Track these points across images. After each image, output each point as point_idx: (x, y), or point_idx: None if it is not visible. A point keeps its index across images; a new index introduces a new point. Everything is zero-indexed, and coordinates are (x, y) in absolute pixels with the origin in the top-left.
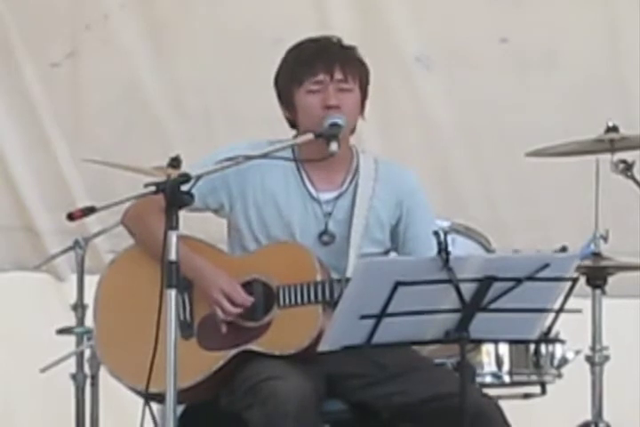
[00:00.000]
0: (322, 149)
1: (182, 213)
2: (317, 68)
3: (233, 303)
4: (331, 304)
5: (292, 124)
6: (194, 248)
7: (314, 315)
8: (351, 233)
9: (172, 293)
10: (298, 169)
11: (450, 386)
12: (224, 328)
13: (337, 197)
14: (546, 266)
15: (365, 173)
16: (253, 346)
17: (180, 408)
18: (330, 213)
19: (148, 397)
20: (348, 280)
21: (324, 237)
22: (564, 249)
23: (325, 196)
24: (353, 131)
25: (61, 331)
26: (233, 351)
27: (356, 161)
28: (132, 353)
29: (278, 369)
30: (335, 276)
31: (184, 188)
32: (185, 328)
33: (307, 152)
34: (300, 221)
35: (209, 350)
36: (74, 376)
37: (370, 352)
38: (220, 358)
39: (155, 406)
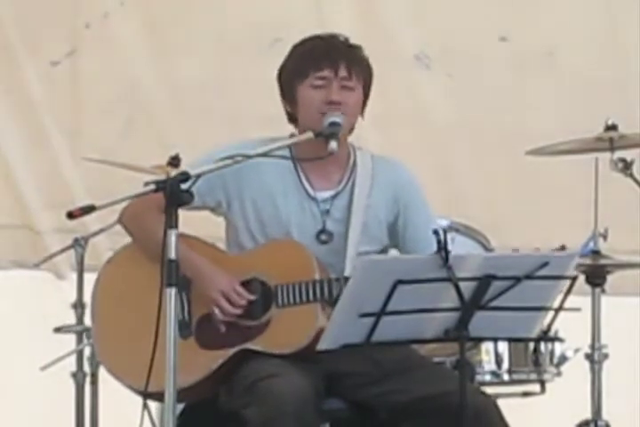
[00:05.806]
0: (320, 147)
1: (181, 212)
2: (323, 64)
3: (232, 304)
4: (329, 303)
5: (292, 119)
6: (192, 247)
7: (312, 314)
8: (349, 232)
9: (172, 291)
10: (295, 167)
11: (448, 385)
12: (222, 327)
13: (334, 196)
14: (545, 264)
15: (362, 170)
16: (252, 345)
17: (180, 407)
18: (327, 212)
19: (148, 396)
20: (346, 279)
21: (322, 235)
22: (563, 248)
23: (323, 194)
24: (351, 130)
25: (58, 329)
26: (232, 350)
27: (353, 159)
28: (130, 352)
29: (277, 368)
30: (333, 274)
31: (183, 186)
32: (183, 327)
33: (304, 150)
34: (298, 220)
35: (208, 349)
36: (74, 375)
37: (368, 350)
38: (220, 356)
39: (154, 404)
